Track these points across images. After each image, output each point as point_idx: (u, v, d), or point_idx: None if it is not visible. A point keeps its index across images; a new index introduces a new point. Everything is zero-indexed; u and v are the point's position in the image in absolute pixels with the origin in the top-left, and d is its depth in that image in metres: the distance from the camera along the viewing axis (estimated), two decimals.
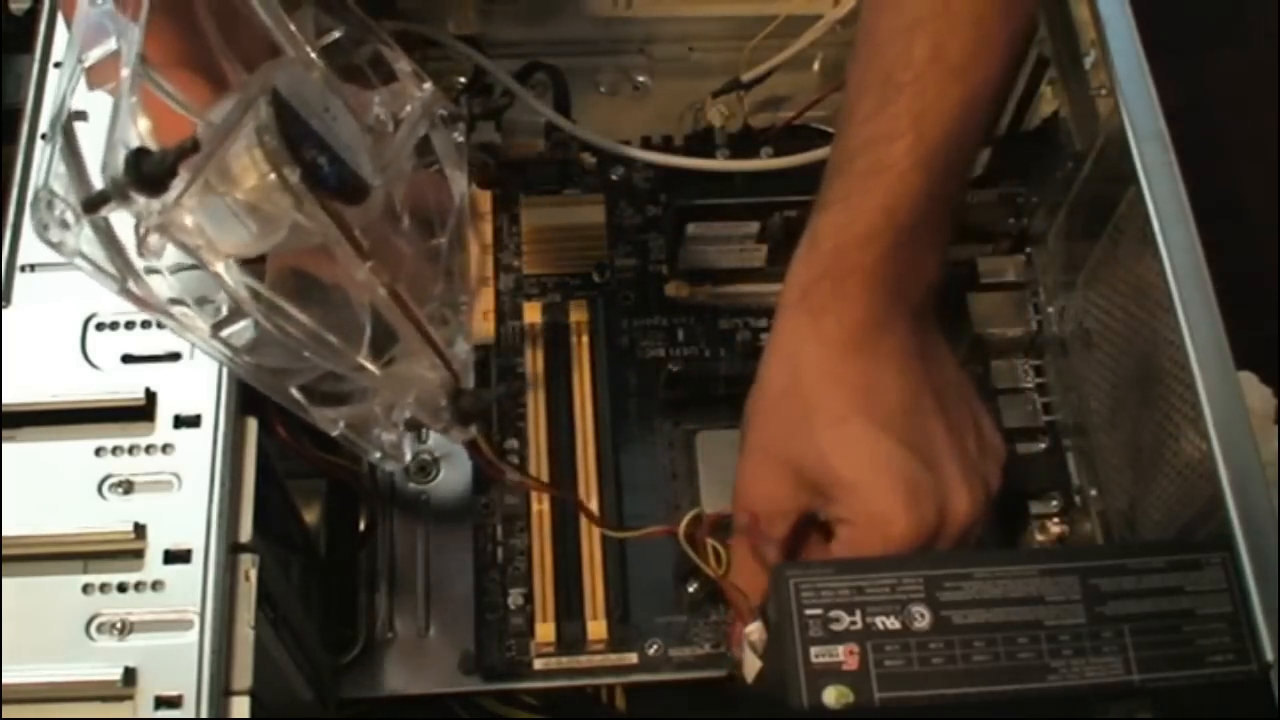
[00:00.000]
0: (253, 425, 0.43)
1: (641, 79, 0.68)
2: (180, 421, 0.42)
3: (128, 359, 0.43)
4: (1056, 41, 0.55)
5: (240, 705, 0.39)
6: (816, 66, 0.67)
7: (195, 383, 0.43)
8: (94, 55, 0.36)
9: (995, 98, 0.47)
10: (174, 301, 0.37)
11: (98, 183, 0.34)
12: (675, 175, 0.61)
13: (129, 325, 0.44)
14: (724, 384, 0.58)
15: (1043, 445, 0.58)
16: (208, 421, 0.42)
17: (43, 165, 0.35)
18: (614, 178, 0.62)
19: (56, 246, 0.35)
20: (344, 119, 0.37)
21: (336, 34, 0.40)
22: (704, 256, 0.59)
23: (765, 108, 0.65)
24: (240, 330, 0.37)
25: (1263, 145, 0.85)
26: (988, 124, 0.48)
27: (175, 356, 0.43)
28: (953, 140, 0.45)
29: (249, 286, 0.36)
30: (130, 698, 0.38)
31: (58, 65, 0.48)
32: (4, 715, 0.38)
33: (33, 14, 0.52)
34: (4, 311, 0.44)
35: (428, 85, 0.42)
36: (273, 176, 0.34)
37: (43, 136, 0.47)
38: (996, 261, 0.61)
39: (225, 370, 0.43)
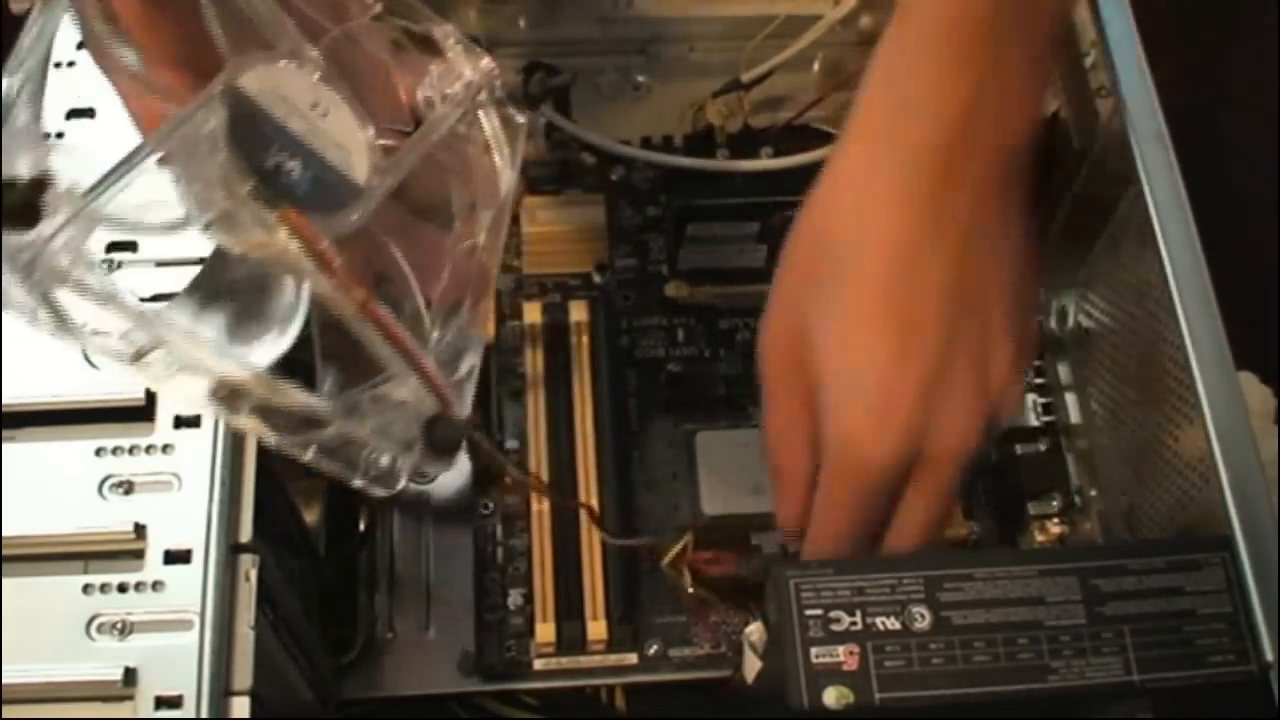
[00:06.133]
0: None
1: (641, 79, 0.67)
2: (180, 421, 0.42)
3: None
4: None
5: (240, 705, 0.39)
6: (816, 66, 0.67)
7: (195, 383, 0.43)
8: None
9: None
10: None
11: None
12: (675, 175, 0.61)
13: None
14: (724, 384, 0.59)
15: (1043, 445, 0.58)
16: (208, 421, 0.42)
17: None
18: (614, 178, 0.62)
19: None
20: (338, 114, 0.35)
21: (377, 7, 0.38)
22: (704, 256, 0.59)
23: (765, 108, 0.65)
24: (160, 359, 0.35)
25: (1263, 145, 0.84)
26: None
27: None
28: None
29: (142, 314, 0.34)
30: (130, 698, 0.38)
31: (58, 65, 0.48)
32: (4, 715, 0.38)
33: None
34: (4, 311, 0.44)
35: (484, 61, 0.38)
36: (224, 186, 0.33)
37: (44, 137, 0.47)
38: None
39: None
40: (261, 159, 0.33)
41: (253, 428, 0.36)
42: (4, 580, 0.39)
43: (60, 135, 0.47)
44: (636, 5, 0.66)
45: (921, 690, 0.39)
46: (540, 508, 0.54)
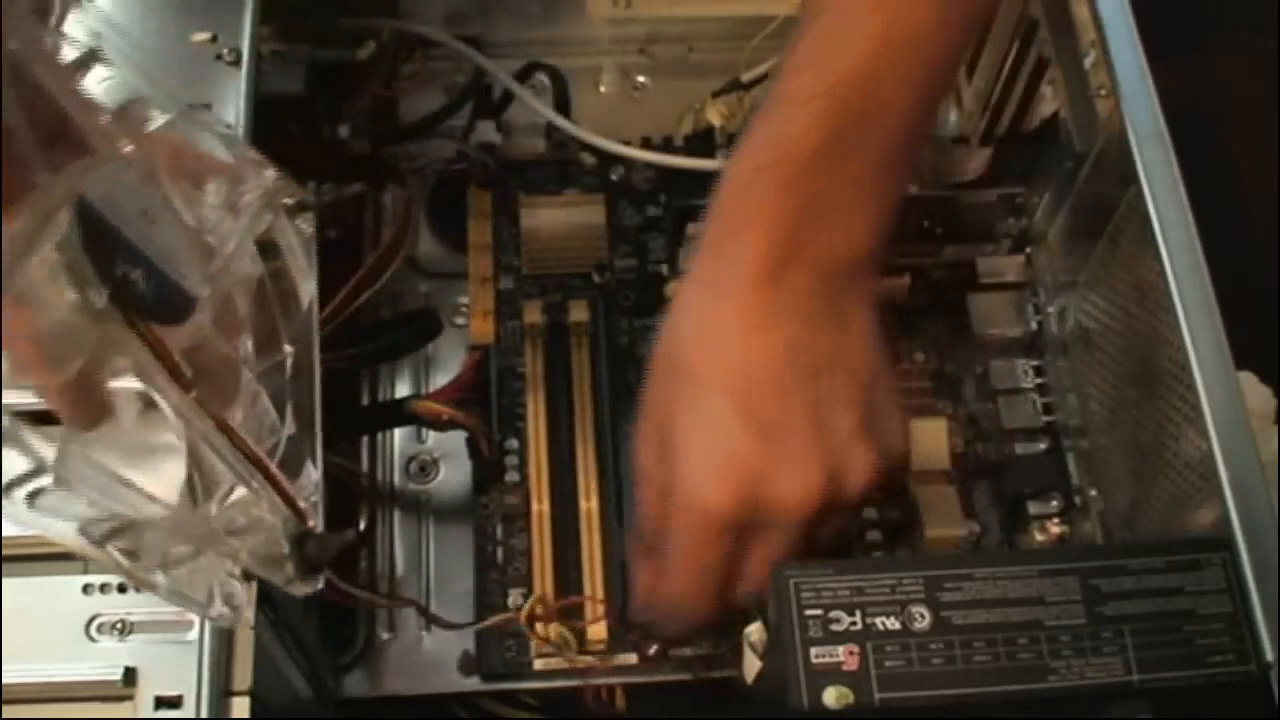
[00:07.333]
0: None
1: (641, 79, 0.68)
2: None
3: None
4: (1056, 41, 0.55)
5: (240, 705, 0.39)
6: None
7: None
8: None
9: (931, 34, 0.42)
10: None
11: None
12: (675, 175, 0.61)
13: None
14: None
15: (1043, 445, 0.58)
16: None
17: None
18: (614, 178, 0.62)
19: None
20: (164, 221, 0.32)
21: (165, 118, 0.35)
22: None
23: None
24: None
25: (1263, 145, 0.85)
26: (927, 65, 0.43)
27: None
28: (867, 72, 0.42)
29: None
30: (130, 698, 0.38)
31: None
32: (4, 715, 0.38)
33: None
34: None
35: (270, 172, 0.36)
36: (75, 299, 0.30)
37: None
38: (996, 261, 0.61)
39: None
40: (111, 269, 0.31)
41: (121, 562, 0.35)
42: (4, 580, 0.39)
43: None
44: (636, 5, 0.66)
45: (921, 690, 0.39)
46: (540, 508, 0.54)
